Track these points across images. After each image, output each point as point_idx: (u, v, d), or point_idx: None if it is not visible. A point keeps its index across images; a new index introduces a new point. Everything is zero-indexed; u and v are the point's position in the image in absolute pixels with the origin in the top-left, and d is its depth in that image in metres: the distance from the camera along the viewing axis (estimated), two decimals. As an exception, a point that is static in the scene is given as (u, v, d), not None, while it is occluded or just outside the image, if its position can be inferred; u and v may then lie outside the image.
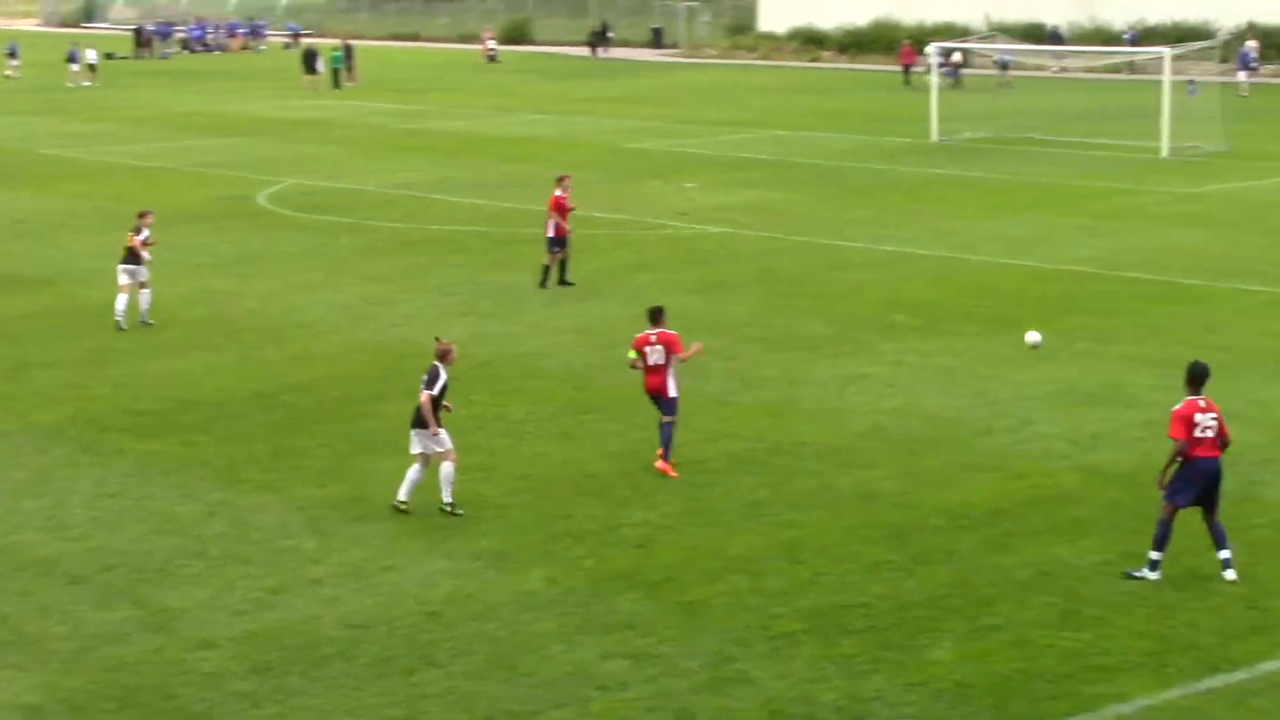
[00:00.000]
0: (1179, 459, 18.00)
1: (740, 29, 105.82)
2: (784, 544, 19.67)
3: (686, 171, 51.64)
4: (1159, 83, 55.31)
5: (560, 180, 34.81)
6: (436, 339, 21.82)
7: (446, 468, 20.90)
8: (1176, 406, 18.24)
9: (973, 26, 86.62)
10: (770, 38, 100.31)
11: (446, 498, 20.95)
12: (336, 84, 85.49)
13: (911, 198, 45.66)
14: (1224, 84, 68.66)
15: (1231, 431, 18.43)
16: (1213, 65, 75.30)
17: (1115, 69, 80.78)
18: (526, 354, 29.16)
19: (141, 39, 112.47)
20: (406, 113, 71.83)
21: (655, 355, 22.52)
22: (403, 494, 21.07)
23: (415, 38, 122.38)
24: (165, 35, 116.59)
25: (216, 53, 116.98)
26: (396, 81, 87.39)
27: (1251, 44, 76.26)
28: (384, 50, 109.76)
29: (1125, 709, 15.30)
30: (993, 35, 79.37)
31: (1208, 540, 19.18)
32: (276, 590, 18.67)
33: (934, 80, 61.18)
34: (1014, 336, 29.34)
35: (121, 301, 31.47)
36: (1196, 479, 18.00)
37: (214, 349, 30.04)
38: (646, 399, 23.25)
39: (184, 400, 26.68)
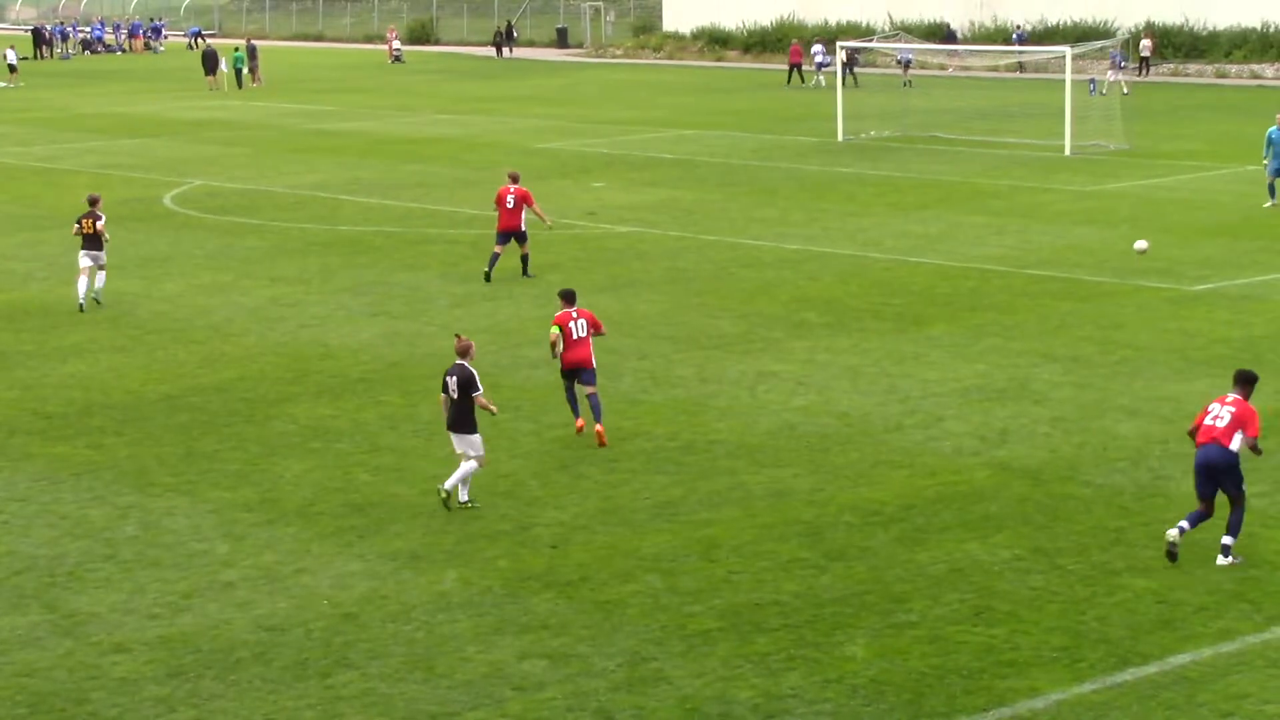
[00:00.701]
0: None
1: (645, 29, 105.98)
2: (698, 543, 19.74)
3: (594, 171, 51.68)
4: (1061, 82, 55.84)
5: (514, 176, 35.48)
6: (456, 336, 22.01)
7: (471, 465, 21.08)
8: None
9: (876, 26, 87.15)
10: (675, 37, 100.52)
11: (463, 497, 21.09)
12: (240, 84, 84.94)
13: (818, 196, 45.88)
14: (1125, 83, 69.39)
15: (1258, 429, 18.67)
16: (1148, 64, 76.07)
17: (1013, 68, 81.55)
18: (437, 354, 29.06)
19: (41, 39, 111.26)
20: (312, 113, 71.45)
21: (579, 329, 23.96)
22: (448, 483, 21.10)
23: (319, 38, 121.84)
24: (65, 36, 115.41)
25: (117, 53, 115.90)
26: (301, 82, 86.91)
27: (1145, 43, 77.10)
28: (288, 50, 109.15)
29: (1038, 703, 15.45)
30: (896, 34, 79.87)
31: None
32: (189, 594, 18.55)
33: (839, 79, 61.49)
34: (922, 334, 29.61)
35: (82, 284, 33.03)
36: (1197, 466, 18.74)
37: (122, 351, 29.80)
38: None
39: (92, 403, 26.46)
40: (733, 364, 27.86)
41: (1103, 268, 35.10)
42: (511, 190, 35.01)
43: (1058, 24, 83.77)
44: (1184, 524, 18.62)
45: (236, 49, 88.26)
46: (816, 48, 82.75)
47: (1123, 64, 72.91)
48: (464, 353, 21.30)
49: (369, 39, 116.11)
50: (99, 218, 32.99)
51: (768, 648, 16.76)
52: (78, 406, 26.28)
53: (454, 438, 21.22)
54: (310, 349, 29.65)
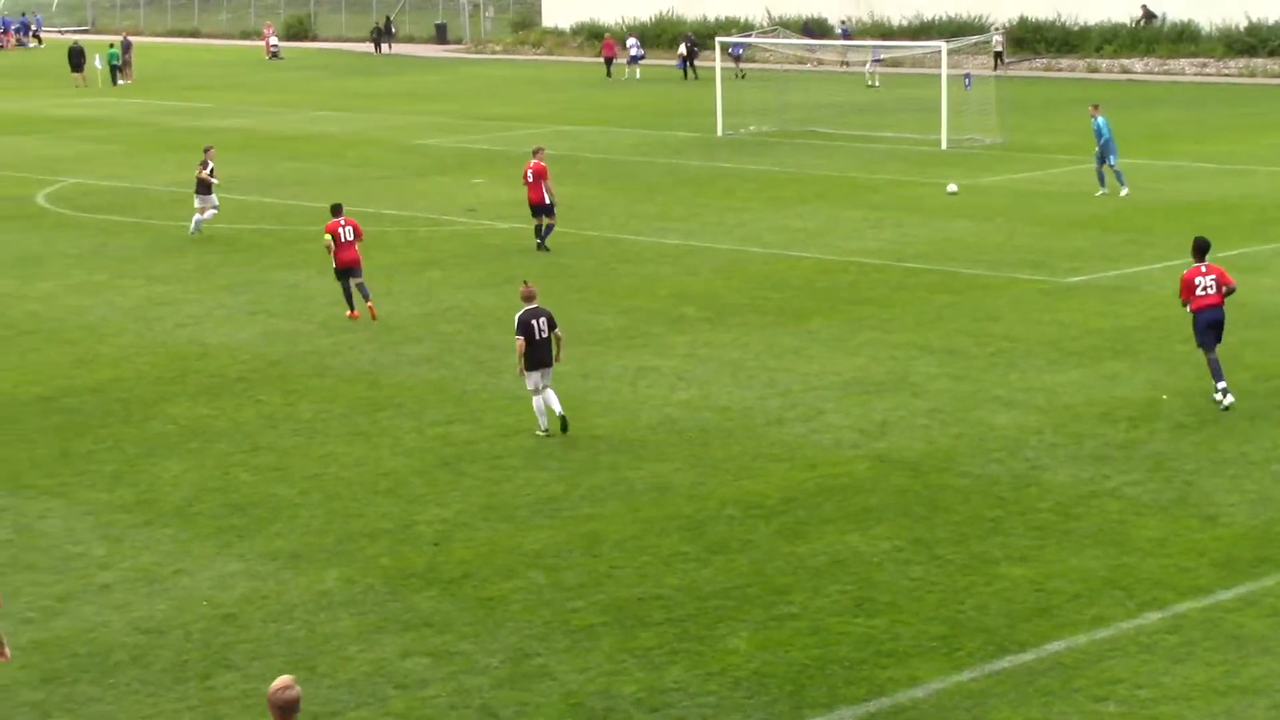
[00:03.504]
0: (1191, 313, 23.88)
1: (525, 24, 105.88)
2: (580, 538, 19.76)
3: (474, 167, 51.56)
4: (936, 76, 56.35)
5: (536, 151, 37.96)
6: (525, 282, 24.33)
7: (551, 393, 23.46)
8: (1184, 273, 23.92)
9: (755, 21, 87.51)
10: (555, 33, 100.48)
11: (559, 409, 23.34)
12: (115, 81, 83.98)
13: (698, 191, 46.04)
14: (999, 78, 70.13)
15: (1233, 279, 24.10)
16: (987, 59, 76.94)
17: (889, 64, 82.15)
18: (316, 352, 28.93)
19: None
20: (189, 110, 70.78)
21: (347, 234, 30.60)
22: (543, 423, 23.47)
23: (195, 34, 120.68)
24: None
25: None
26: (178, 79, 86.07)
27: (997, 39, 77.57)
28: (163, 47, 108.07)
29: (918, 693, 15.60)
30: (775, 30, 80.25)
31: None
32: (65, 597, 18.34)
33: (718, 74, 61.67)
34: (801, 327, 29.79)
35: (197, 217, 39.89)
36: (1202, 326, 23.73)
37: (-6, 352, 29.40)
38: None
39: (-36, 405, 26.08)
40: (614, 359, 27.90)
41: (978, 261, 35.47)
42: (530, 165, 37.31)
43: (933, 19, 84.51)
44: (1219, 386, 23.73)
45: (111, 45, 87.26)
46: (631, 41, 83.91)
47: (880, 57, 74.99)
48: (533, 297, 23.53)
49: (246, 35, 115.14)
50: (209, 166, 39.52)
51: (651, 642, 16.81)
52: (-50, 409, 25.90)
53: (537, 375, 23.29)
54: (188, 348, 29.38)
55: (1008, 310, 30.73)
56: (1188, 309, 24.00)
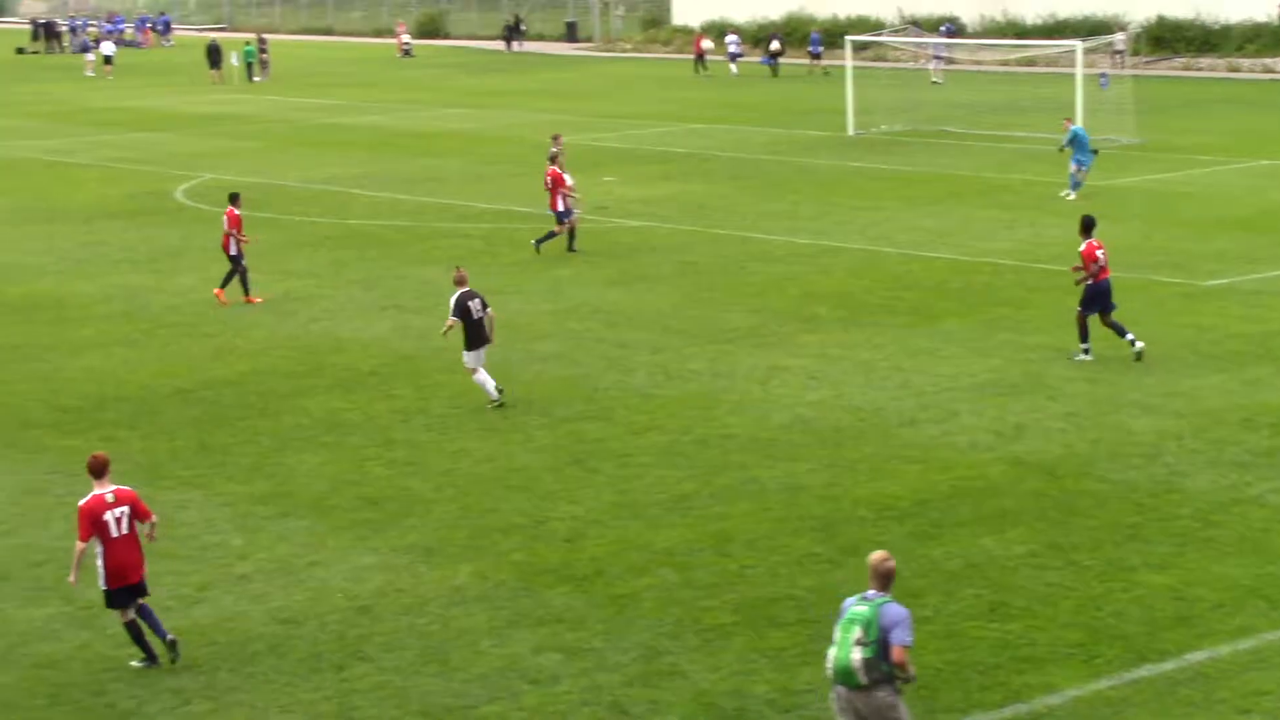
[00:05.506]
0: (1089, 281, 26.66)
1: (655, 22, 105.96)
2: (712, 536, 19.72)
3: (605, 165, 51.59)
4: (1071, 75, 55.69)
5: (550, 157, 37.99)
6: (456, 267, 26.16)
7: (484, 373, 25.01)
8: (1082, 248, 26.92)
9: (885, 20, 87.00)
10: (685, 31, 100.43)
11: (494, 394, 24.92)
12: (251, 78, 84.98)
13: (829, 190, 45.82)
14: (1136, 77, 69.23)
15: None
16: (1123, 58, 75.88)
17: (1024, 62, 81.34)
18: (447, 348, 28.98)
19: (50, 33, 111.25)
20: (323, 107, 71.45)
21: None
22: (494, 394, 25.02)
23: (329, 32, 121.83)
24: (75, 29, 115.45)
25: (143, 48, 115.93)
26: (311, 76, 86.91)
27: (1119, 37, 75.93)
28: (297, 44, 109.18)
29: (1055, 700, 15.42)
30: (906, 28, 79.73)
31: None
32: (204, 586, 18.57)
33: (849, 72, 61.33)
34: (935, 328, 29.56)
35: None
36: (1102, 293, 26.82)
37: (134, 345, 29.81)
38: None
39: (106, 396, 26.47)
40: (745, 358, 27.83)
41: (1114, 262, 34.60)
42: (548, 172, 37.36)
43: (1068, 19, 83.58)
44: (1084, 345, 26.75)
45: (247, 43, 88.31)
46: (731, 38, 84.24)
47: (942, 54, 74.60)
48: (465, 280, 25.06)
49: (378, 33, 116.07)
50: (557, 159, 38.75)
51: (783, 642, 16.73)
52: (91, 400, 26.30)
53: (476, 354, 24.86)
54: (322, 342, 29.64)
55: (1146, 313, 30.30)
56: (1089, 278, 26.67)
